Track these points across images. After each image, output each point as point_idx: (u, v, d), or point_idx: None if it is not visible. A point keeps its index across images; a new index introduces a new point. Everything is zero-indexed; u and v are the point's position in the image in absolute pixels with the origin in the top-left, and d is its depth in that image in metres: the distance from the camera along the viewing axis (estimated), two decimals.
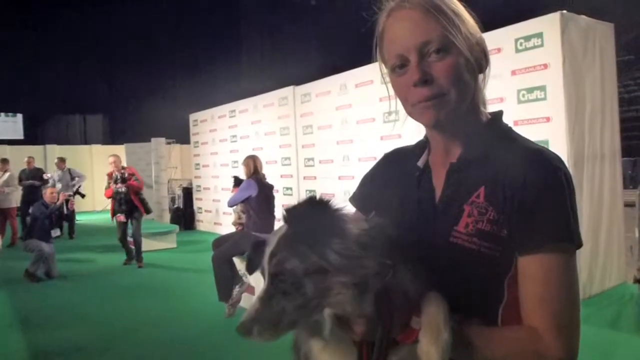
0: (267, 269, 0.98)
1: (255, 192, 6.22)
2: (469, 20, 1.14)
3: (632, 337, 4.98)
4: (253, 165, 6.49)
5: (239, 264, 6.13)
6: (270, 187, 6.59)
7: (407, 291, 0.96)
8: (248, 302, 6.09)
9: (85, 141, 27.50)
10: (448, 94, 1.09)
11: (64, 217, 10.62)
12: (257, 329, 0.93)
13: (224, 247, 6.08)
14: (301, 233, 0.95)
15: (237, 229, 7.00)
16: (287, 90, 10.69)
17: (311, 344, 1.03)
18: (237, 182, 7.12)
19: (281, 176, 10.72)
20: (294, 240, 0.96)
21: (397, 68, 1.13)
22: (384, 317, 0.94)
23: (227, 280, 5.93)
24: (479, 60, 1.15)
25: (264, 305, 0.95)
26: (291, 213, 0.97)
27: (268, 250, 0.99)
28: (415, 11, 1.09)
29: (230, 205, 6.68)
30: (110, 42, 27.02)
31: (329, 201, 0.98)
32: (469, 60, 1.11)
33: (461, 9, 1.14)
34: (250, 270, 1.11)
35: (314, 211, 0.96)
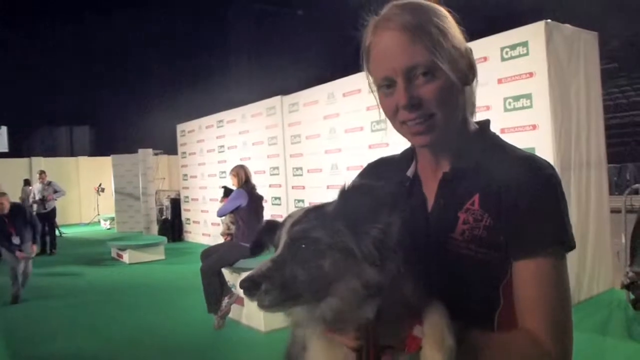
0: (286, 236, 0.96)
1: (245, 202, 6.19)
2: (455, 34, 1.14)
3: (620, 342, 4.99)
4: (244, 174, 6.47)
5: (228, 274, 6.09)
6: (260, 198, 6.57)
7: (409, 299, 0.95)
8: (237, 313, 6.05)
9: (72, 153, 27.28)
10: (435, 115, 1.10)
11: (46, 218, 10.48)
12: (266, 286, 0.89)
13: (212, 258, 6.04)
14: (346, 212, 0.94)
15: (225, 239, 6.96)
16: (274, 100, 10.69)
17: (305, 355, 1.02)
18: (227, 192, 7.08)
19: (270, 186, 10.69)
20: (331, 217, 0.95)
21: (384, 87, 1.13)
22: (374, 326, 0.92)
23: (216, 292, 5.88)
24: (465, 74, 1.16)
25: (276, 267, 0.91)
26: (348, 191, 0.97)
27: (290, 220, 0.98)
28: (400, 32, 1.09)
29: (220, 215, 6.64)
30: (96, 53, 26.90)
31: (393, 195, 0.97)
32: (455, 80, 1.11)
33: (447, 21, 1.14)
34: (256, 251, 1.09)
35: (370, 196, 0.95)
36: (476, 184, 1.14)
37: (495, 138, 1.23)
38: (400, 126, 1.15)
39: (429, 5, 1.14)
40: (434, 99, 1.09)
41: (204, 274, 5.91)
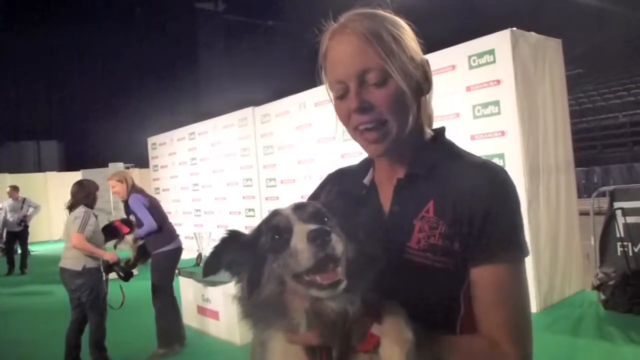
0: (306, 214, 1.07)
1: (148, 203, 5.71)
2: (409, 44, 1.15)
3: (592, 342, 5.07)
4: (131, 179, 5.87)
5: (202, 288, 5.98)
6: (152, 196, 6.11)
7: (367, 299, 0.95)
8: (214, 327, 5.97)
9: (40, 168, 26.68)
10: (388, 122, 1.12)
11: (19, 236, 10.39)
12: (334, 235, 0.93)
13: (156, 285, 5.88)
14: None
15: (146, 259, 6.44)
16: (246, 111, 10.66)
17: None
18: (124, 220, 6.17)
19: (243, 197, 10.64)
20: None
21: (339, 94, 1.16)
22: (343, 323, 0.92)
23: (174, 320, 5.82)
24: (420, 84, 1.17)
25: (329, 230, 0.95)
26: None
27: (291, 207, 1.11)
28: (355, 37, 1.10)
29: (149, 232, 5.84)
30: (63, 65, 26.48)
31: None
32: (405, 89, 1.12)
33: (404, 31, 1.15)
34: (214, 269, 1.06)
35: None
36: (430, 190, 1.15)
37: (450, 145, 1.24)
38: (354, 132, 1.17)
39: (387, 15, 1.15)
40: (384, 105, 1.10)
41: (159, 311, 5.81)
